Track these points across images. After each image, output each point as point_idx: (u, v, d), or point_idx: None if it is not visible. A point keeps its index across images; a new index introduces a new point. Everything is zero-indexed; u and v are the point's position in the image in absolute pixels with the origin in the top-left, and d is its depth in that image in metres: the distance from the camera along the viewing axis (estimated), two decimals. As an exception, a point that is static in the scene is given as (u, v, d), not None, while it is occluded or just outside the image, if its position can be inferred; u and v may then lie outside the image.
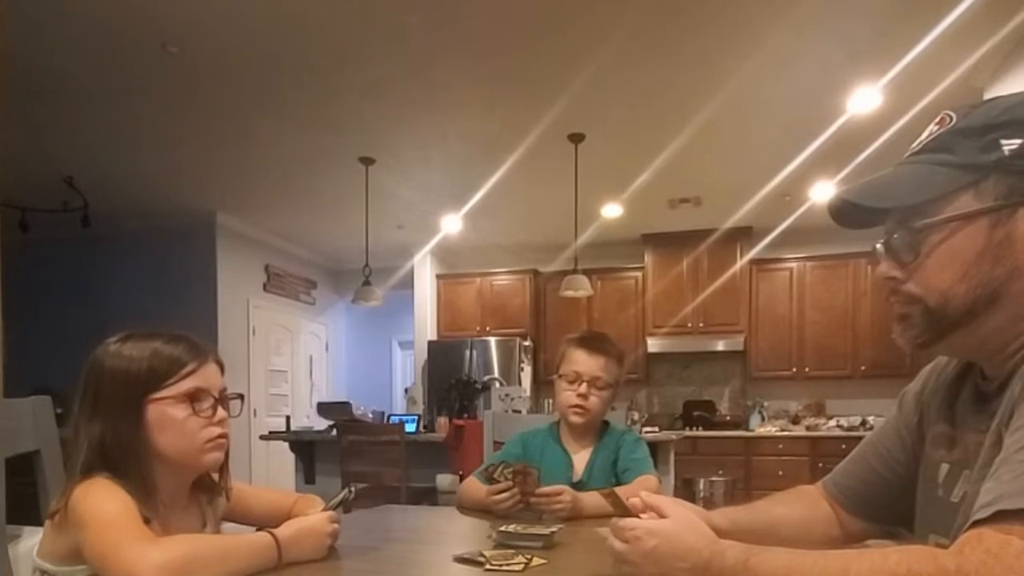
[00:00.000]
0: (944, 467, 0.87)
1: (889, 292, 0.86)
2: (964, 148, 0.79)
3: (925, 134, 0.84)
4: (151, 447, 1.08)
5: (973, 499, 0.68)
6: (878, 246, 0.86)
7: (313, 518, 1.13)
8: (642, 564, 0.84)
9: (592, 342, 1.80)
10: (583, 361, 1.76)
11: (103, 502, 0.99)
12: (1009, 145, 0.76)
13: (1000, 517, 0.63)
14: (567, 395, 1.76)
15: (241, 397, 1.20)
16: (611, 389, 1.77)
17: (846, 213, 0.86)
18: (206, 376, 1.12)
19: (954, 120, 0.81)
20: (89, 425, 1.06)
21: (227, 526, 1.30)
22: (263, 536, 1.05)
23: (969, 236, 0.78)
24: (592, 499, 1.52)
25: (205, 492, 1.20)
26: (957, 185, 0.78)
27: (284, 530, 1.08)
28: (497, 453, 1.89)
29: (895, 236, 0.83)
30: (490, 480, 1.57)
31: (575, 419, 1.76)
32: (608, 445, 1.79)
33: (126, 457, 1.05)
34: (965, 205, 0.78)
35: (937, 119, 0.84)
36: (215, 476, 1.21)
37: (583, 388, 1.74)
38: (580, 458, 1.78)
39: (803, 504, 1.10)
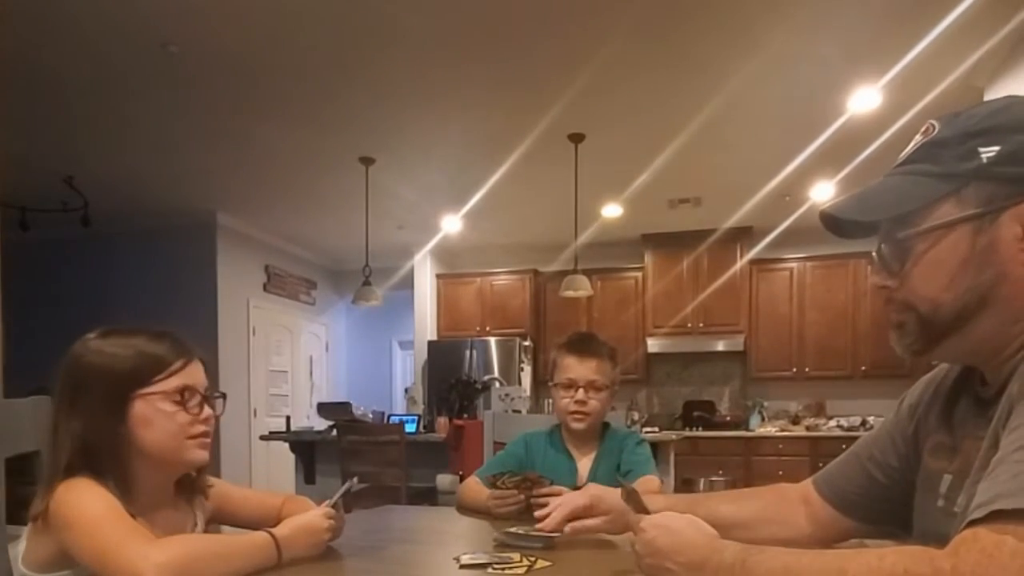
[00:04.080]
0: (947, 478, 0.87)
1: (884, 301, 0.87)
2: (944, 158, 0.80)
3: (911, 145, 0.86)
4: (134, 443, 1.07)
5: (970, 502, 0.68)
6: (873, 255, 0.87)
7: (310, 515, 1.14)
8: (643, 555, 0.86)
9: (582, 346, 1.77)
10: (575, 367, 1.74)
11: (89, 502, 0.98)
12: (987, 152, 0.77)
13: (996, 517, 0.63)
14: (565, 402, 1.75)
15: (224, 396, 1.19)
16: (608, 390, 1.76)
17: (838, 226, 0.88)
18: (192, 374, 1.12)
19: (937, 130, 0.83)
20: (69, 422, 1.05)
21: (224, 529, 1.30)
22: (262, 535, 1.05)
23: (952, 244, 0.79)
24: None
25: (188, 492, 1.19)
26: (938, 195, 0.79)
27: (282, 529, 1.08)
28: (500, 454, 1.88)
29: (883, 246, 0.85)
30: (493, 486, 1.56)
31: (577, 425, 1.75)
32: (611, 450, 1.78)
33: (106, 454, 1.04)
34: (946, 214, 0.79)
35: (923, 129, 0.85)
36: (193, 475, 1.20)
37: (580, 394, 1.72)
38: (583, 464, 1.77)
39: (759, 506, 1.11)
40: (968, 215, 0.78)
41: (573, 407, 1.73)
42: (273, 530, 1.07)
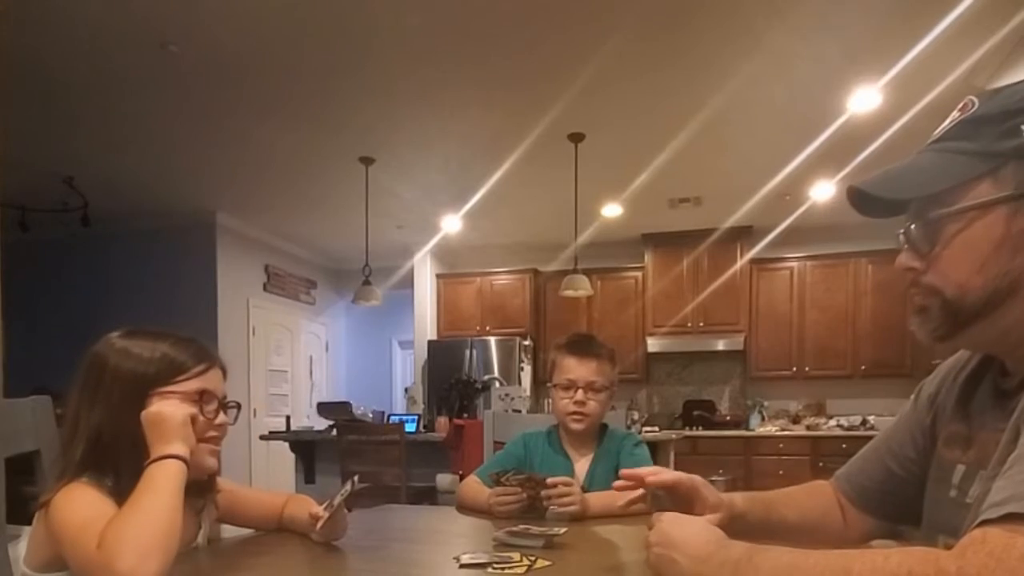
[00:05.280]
0: (960, 468, 0.85)
1: (909, 284, 0.84)
2: (983, 135, 0.75)
3: (947, 121, 0.81)
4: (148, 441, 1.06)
5: (985, 497, 0.67)
6: (900, 236, 0.83)
7: (155, 409, 1.06)
8: (654, 543, 0.85)
9: (581, 347, 1.76)
10: (575, 368, 1.73)
11: (76, 512, 0.97)
12: None
13: (1008, 519, 0.61)
14: (564, 403, 1.74)
15: (239, 406, 1.19)
16: (607, 391, 1.75)
17: (865, 203, 0.84)
18: (212, 380, 1.13)
19: (976, 106, 0.78)
20: (89, 414, 1.05)
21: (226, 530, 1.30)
22: (151, 468, 1.01)
23: (987, 226, 0.75)
24: (597, 499, 1.51)
25: (196, 497, 1.17)
26: (974, 173, 0.75)
27: (154, 445, 1.03)
28: (499, 453, 1.88)
29: (912, 226, 0.81)
30: (497, 482, 1.56)
31: (575, 426, 1.74)
32: (609, 452, 1.77)
33: (121, 449, 1.04)
34: (983, 194, 0.75)
35: (960, 105, 0.81)
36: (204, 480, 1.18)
37: (579, 395, 1.72)
38: (581, 465, 1.77)
39: (812, 503, 1.08)
40: (1006, 196, 0.74)
41: (572, 408, 1.72)
42: (154, 455, 1.02)
